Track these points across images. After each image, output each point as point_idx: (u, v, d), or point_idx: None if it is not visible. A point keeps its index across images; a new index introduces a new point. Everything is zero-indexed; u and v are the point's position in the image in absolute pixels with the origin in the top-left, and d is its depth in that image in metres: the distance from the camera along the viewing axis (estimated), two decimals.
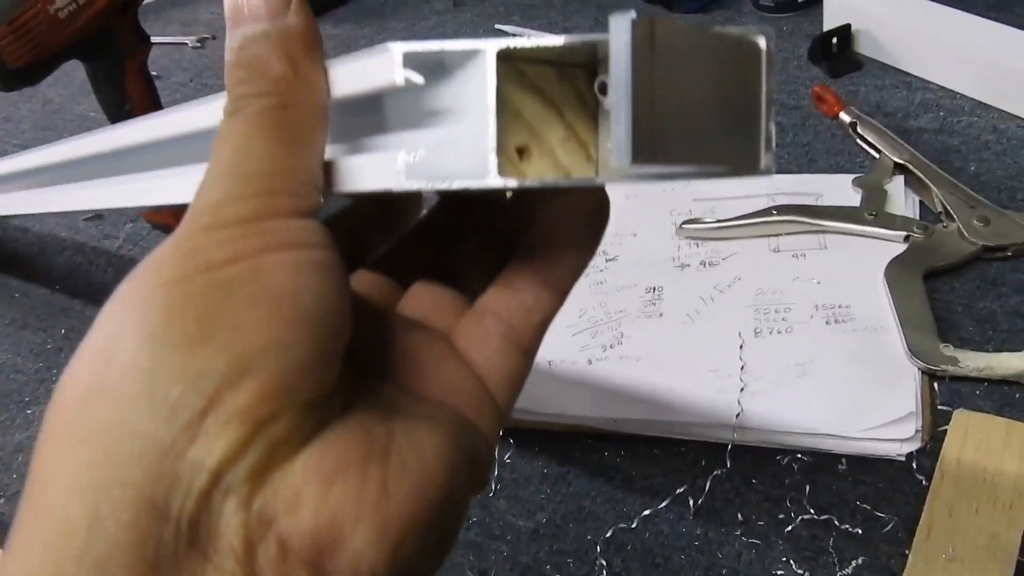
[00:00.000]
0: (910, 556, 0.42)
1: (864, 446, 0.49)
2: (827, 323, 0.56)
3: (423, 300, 0.26)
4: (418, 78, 0.20)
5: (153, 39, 0.77)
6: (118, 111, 0.75)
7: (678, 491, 0.50)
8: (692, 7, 0.90)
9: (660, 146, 0.19)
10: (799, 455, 0.50)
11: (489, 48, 0.20)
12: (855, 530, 0.46)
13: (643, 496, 0.50)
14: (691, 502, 0.49)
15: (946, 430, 0.48)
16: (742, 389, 0.53)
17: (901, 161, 0.65)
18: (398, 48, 0.20)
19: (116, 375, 0.18)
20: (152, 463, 0.17)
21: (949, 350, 0.52)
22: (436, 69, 0.21)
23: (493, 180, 0.20)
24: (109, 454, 0.17)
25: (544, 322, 0.25)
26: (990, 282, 0.57)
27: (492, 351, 0.24)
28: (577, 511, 0.51)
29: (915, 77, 0.75)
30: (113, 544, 0.17)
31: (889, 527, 0.46)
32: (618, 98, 0.18)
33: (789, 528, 0.47)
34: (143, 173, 0.37)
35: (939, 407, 0.50)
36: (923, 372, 0.52)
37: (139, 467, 0.17)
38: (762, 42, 0.21)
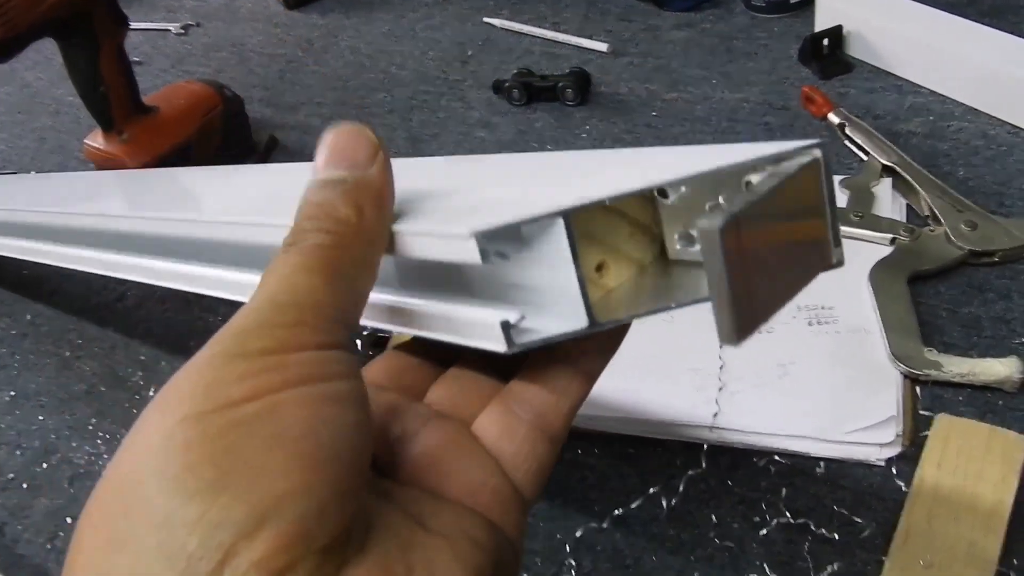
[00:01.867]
0: (886, 563, 0.40)
1: (843, 450, 0.48)
2: (809, 324, 0.54)
3: (451, 387, 0.27)
4: (498, 258, 0.21)
5: (136, 25, 0.76)
6: (92, 93, 0.73)
7: (652, 491, 0.48)
8: (683, 6, 0.88)
9: (758, 314, 0.20)
10: (777, 457, 0.49)
11: (562, 212, 0.20)
12: (831, 535, 0.45)
13: (616, 495, 0.49)
14: (664, 503, 0.48)
15: (927, 435, 0.46)
16: (721, 389, 0.51)
17: (889, 163, 0.64)
18: (472, 230, 0.21)
19: (134, 524, 0.17)
20: None
21: (932, 354, 0.51)
22: (512, 235, 0.22)
23: (591, 328, 0.21)
24: None
25: (573, 409, 0.25)
26: (976, 287, 0.56)
27: (521, 440, 0.24)
28: (547, 509, 0.49)
29: (906, 81, 0.74)
30: None
31: (866, 533, 0.45)
32: (717, 296, 0.19)
33: (764, 532, 0.46)
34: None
35: (921, 412, 0.49)
36: (906, 376, 0.50)
37: None
38: (818, 153, 0.22)
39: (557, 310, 0.21)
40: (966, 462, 0.42)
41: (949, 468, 0.42)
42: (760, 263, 0.20)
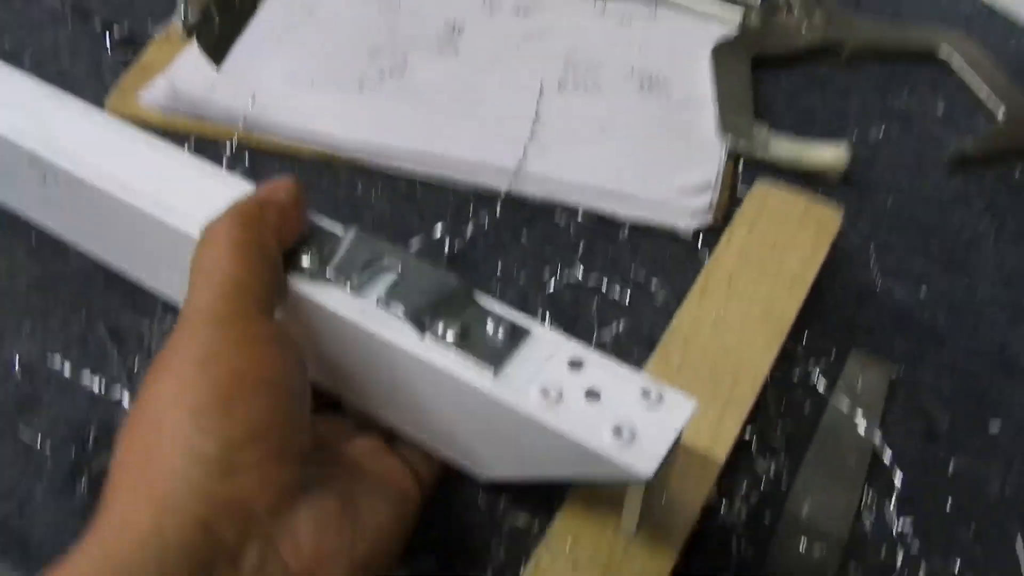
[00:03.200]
0: (675, 318, 0.36)
1: (651, 214, 0.43)
2: (641, 88, 0.49)
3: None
4: None
5: None
6: None
7: (436, 235, 0.42)
8: None
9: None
10: (579, 217, 0.44)
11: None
12: (622, 299, 0.41)
13: (393, 235, 0.42)
14: (447, 247, 0.42)
15: (734, 216, 0.42)
16: (531, 138, 0.45)
17: None
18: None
19: (168, 442, 0.25)
20: (200, 501, 0.24)
21: (762, 134, 0.46)
22: None
23: None
24: (167, 496, 0.24)
25: None
26: (818, 81, 0.52)
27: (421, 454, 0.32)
28: None
29: None
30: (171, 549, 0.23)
31: (660, 299, 0.41)
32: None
33: (551, 288, 0.41)
34: None
35: (740, 185, 0.45)
36: (730, 151, 0.46)
37: (192, 499, 0.24)
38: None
39: None
40: (778, 229, 0.39)
41: (760, 232, 0.38)
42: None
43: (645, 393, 0.27)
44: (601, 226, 0.44)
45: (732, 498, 0.34)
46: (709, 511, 0.33)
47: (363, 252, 0.30)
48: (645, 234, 0.43)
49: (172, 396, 0.25)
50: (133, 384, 0.36)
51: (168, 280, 0.36)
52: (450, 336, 0.28)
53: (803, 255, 0.38)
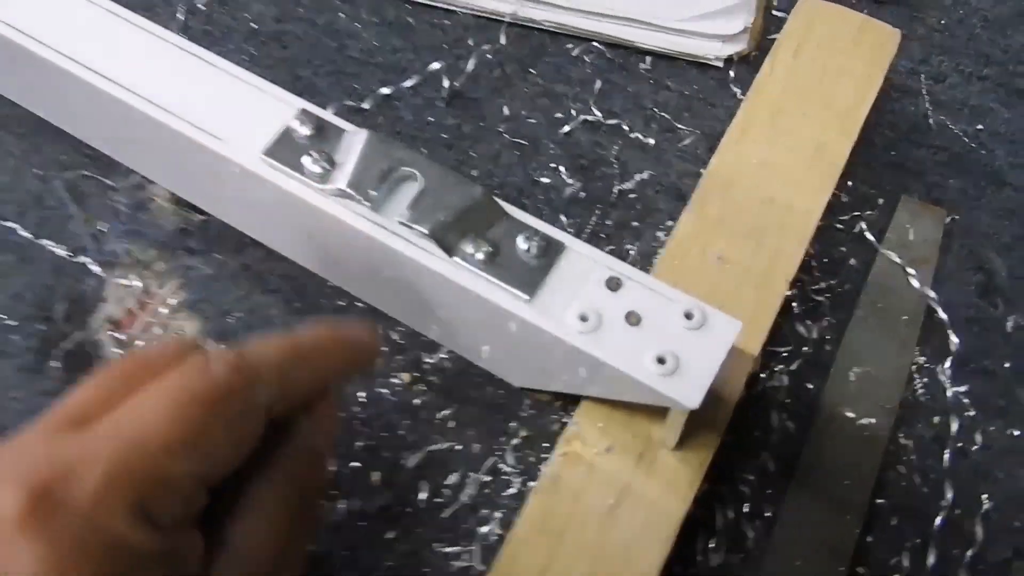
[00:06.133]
0: (713, 161, 0.32)
1: (678, 41, 0.38)
2: None
3: None
4: None
5: None
6: None
7: (431, 68, 0.37)
8: None
9: None
10: (596, 44, 0.38)
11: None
12: (647, 140, 0.36)
13: (384, 71, 0.37)
14: (447, 83, 0.36)
15: (776, 39, 0.37)
16: None
17: None
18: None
19: None
20: None
21: None
22: None
23: None
24: None
25: None
26: None
27: None
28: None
29: None
30: None
31: (687, 141, 0.36)
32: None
33: (566, 129, 0.36)
34: None
35: (775, 13, 0.40)
36: None
37: None
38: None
39: None
40: (828, 53, 0.33)
41: (807, 57, 0.33)
42: None
43: (688, 315, 0.25)
44: (621, 57, 0.38)
45: (773, 365, 0.31)
46: (750, 379, 0.30)
47: (379, 160, 0.27)
48: (670, 65, 0.38)
49: None
50: (101, 247, 0.32)
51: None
52: (480, 255, 0.26)
53: (857, 82, 0.33)
